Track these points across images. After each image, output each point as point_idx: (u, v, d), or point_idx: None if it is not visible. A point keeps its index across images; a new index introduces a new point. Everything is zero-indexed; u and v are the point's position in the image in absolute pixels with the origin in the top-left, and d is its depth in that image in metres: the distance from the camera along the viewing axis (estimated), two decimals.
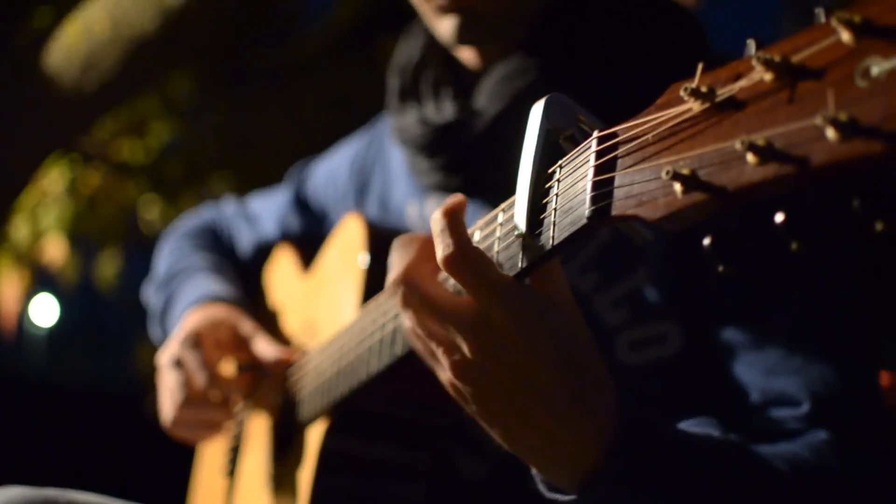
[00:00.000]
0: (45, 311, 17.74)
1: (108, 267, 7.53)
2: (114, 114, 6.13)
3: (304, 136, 7.30)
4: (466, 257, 1.51)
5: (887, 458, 1.95)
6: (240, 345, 2.60)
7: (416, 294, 1.59)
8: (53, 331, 18.77)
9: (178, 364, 2.56)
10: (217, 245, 3.04)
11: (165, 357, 2.61)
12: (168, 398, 2.60)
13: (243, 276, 2.99)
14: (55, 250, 7.56)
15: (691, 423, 1.85)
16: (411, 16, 2.45)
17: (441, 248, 1.52)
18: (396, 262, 1.67)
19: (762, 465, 1.77)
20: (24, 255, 7.92)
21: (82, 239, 7.51)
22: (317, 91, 7.53)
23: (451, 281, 1.63)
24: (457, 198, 1.58)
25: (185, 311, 2.72)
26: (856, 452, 1.91)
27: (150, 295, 2.99)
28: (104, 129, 6.73)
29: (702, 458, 1.66)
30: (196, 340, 2.55)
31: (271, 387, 2.54)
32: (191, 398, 2.56)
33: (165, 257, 3.03)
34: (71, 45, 5.09)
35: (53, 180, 7.07)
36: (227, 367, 2.59)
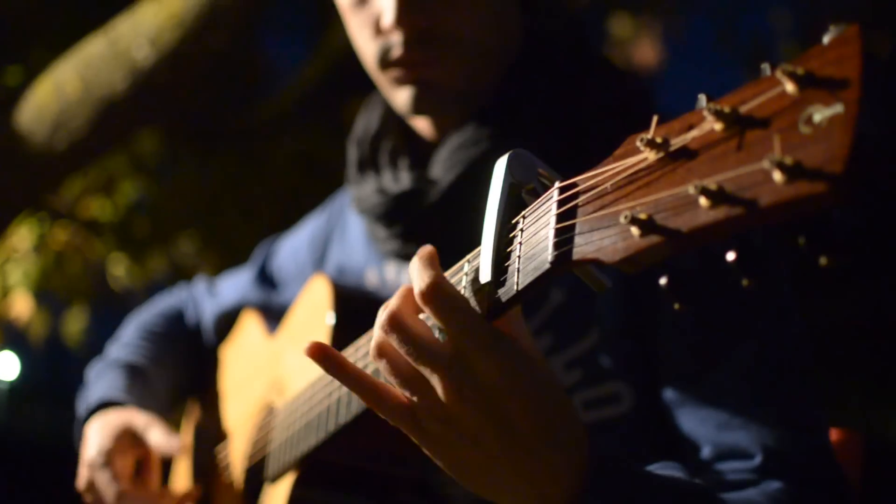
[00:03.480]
0: (6, 366, 17.62)
1: (75, 323, 7.52)
2: (83, 172, 6.14)
3: (271, 197, 7.32)
4: (442, 289, 1.55)
5: None
6: (138, 441, 2.65)
7: (401, 331, 1.62)
8: (14, 385, 18.63)
9: (93, 488, 2.63)
10: (171, 333, 3.09)
11: (81, 483, 2.67)
12: None
13: (204, 350, 3.04)
14: (21, 306, 7.54)
15: (656, 466, 1.88)
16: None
17: (418, 284, 1.57)
18: (388, 304, 1.71)
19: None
20: None
21: (49, 295, 7.49)
22: (283, 152, 7.55)
23: (430, 322, 1.67)
24: (430, 247, 1.63)
25: (87, 418, 2.78)
26: (809, 501, 1.96)
27: (88, 376, 3.03)
28: (73, 187, 6.74)
29: (673, 493, 1.69)
30: (104, 460, 2.60)
31: (187, 472, 2.60)
32: None
33: (115, 342, 3.08)
34: (42, 104, 5.11)
35: (22, 237, 7.06)
36: (145, 480, 2.65)
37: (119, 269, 6.98)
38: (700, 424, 2.07)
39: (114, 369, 2.89)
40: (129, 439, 2.63)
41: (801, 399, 2.08)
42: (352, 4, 2.33)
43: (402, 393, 1.62)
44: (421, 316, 1.63)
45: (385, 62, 2.29)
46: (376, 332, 1.63)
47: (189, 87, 5.40)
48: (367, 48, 2.34)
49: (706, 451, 2.04)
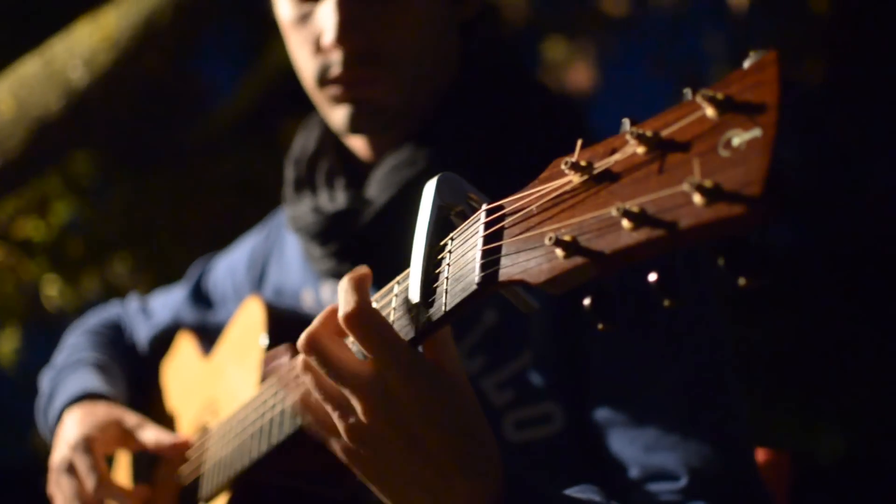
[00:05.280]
0: None
1: (7, 343, 7.45)
2: (16, 192, 6.09)
3: (205, 218, 7.29)
4: (366, 315, 1.57)
5: None
6: (128, 438, 2.59)
7: (319, 353, 1.64)
8: None
9: (70, 469, 2.54)
10: (116, 342, 3.05)
11: (57, 460, 2.58)
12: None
13: (141, 369, 3.01)
14: None
15: (575, 490, 1.91)
16: (311, 101, 2.51)
17: (343, 307, 1.59)
18: (308, 328, 1.73)
19: None
20: None
21: None
22: (218, 173, 7.53)
23: (355, 348, 1.68)
24: (363, 269, 1.65)
25: (66, 407, 2.70)
26: None
27: (42, 384, 2.99)
28: (6, 207, 6.68)
29: None
30: (87, 445, 2.52)
31: (169, 473, 2.57)
32: None
33: (63, 350, 3.04)
34: None
35: None
36: (122, 467, 2.61)
37: (52, 289, 6.92)
38: (628, 445, 2.09)
39: (82, 367, 2.85)
40: (115, 433, 2.57)
41: (727, 420, 2.11)
42: (293, 22, 2.34)
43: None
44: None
45: (324, 80, 2.31)
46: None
47: (124, 108, 5.37)
48: (306, 66, 2.36)
49: (634, 472, 2.07)
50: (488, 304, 2.24)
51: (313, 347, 1.62)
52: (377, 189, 2.35)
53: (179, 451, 2.53)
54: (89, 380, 2.78)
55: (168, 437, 2.52)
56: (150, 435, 2.55)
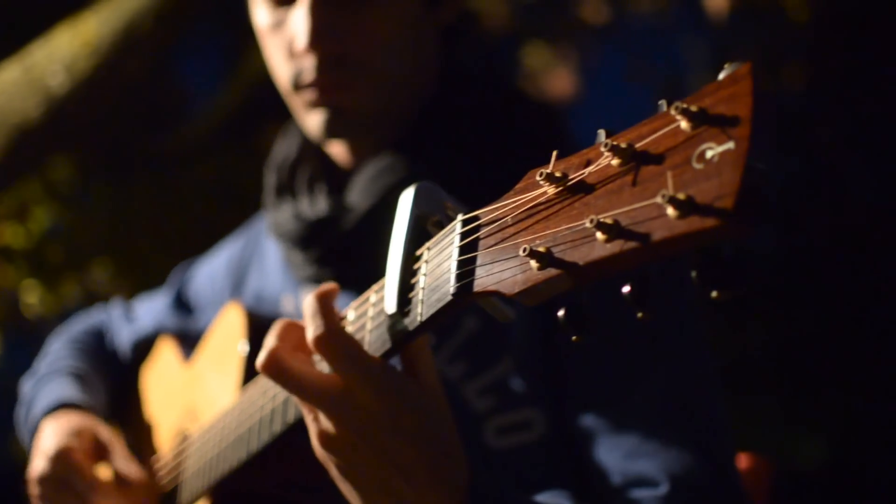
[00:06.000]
0: None
1: None
2: None
3: (186, 224, 7.27)
4: (335, 337, 1.60)
5: None
6: (102, 453, 2.59)
7: (280, 373, 1.66)
8: None
9: (50, 480, 2.53)
10: (98, 349, 3.05)
11: (37, 471, 2.56)
12: None
13: (122, 376, 3.01)
14: None
15: (545, 496, 1.92)
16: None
17: (311, 329, 1.61)
18: (267, 345, 1.74)
19: None
20: None
21: None
22: (198, 179, 7.51)
23: (324, 364, 1.69)
24: (329, 285, 1.67)
25: (42, 417, 2.70)
26: None
27: (23, 391, 2.99)
28: None
29: None
30: (65, 456, 2.51)
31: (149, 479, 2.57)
32: None
33: (45, 357, 3.04)
34: None
35: None
36: (100, 480, 2.60)
37: (32, 296, 6.90)
38: (609, 452, 2.09)
39: (61, 376, 2.85)
40: (92, 444, 2.57)
41: (708, 427, 2.12)
42: (268, 27, 2.35)
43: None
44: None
45: (298, 85, 2.32)
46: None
47: (104, 114, 5.36)
48: (281, 71, 2.36)
49: (615, 480, 2.07)
50: (469, 311, 2.24)
51: (273, 367, 1.65)
52: (358, 195, 2.35)
53: (141, 484, 2.54)
54: (66, 390, 2.78)
55: (133, 471, 2.54)
56: (118, 457, 2.56)
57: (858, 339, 7.56)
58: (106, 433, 2.61)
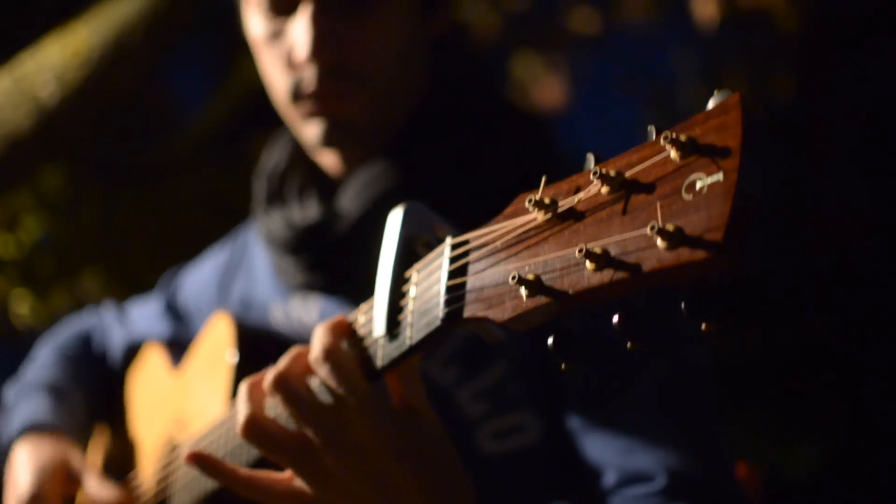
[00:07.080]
0: None
1: None
2: None
3: (176, 234, 7.26)
4: (333, 356, 1.59)
5: None
6: (74, 482, 2.60)
7: (284, 392, 1.66)
8: None
9: None
10: (83, 356, 3.06)
11: None
12: None
13: (110, 381, 3.01)
14: None
15: None
16: (281, 118, 2.51)
17: (314, 348, 1.62)
18: (241, 410, 1.75)
19: None
20: None
21: None
22: (189, 189, 7.51)
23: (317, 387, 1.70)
24: (340, 317, 1.67)
25: (14, 439, 2.73)
26: None
27: (7, 398, 2.99)
28: None
29: None
30: (39, 499, 2.54)
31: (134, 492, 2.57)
32: None
33: (31, 364, 3.04)
34: None
35: None
36: None
37: (22, 306, 6.89)
38: (604, 450, 2.10)
39: (36, 391, 2.85)
40: (63, 475, 2.58)
41: (702, 423, 2.13)
42: (265, 38, 2.35)
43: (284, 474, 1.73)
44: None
45: (297, 95, 2.31)
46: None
47: (95, 124, 5.36)
48: (279, 82, 2.36)
49: (611, 477, 2.08)
50: None
51: (279, 387, 1.66)
52: (349, 202, 2.35)
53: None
54: (35, 410, 2.79)
55: (108, 495, 2.54)
56: (91, 484, 2.57)
57: (851, 348, 7.56)
58: (77, 459, 2.62)
